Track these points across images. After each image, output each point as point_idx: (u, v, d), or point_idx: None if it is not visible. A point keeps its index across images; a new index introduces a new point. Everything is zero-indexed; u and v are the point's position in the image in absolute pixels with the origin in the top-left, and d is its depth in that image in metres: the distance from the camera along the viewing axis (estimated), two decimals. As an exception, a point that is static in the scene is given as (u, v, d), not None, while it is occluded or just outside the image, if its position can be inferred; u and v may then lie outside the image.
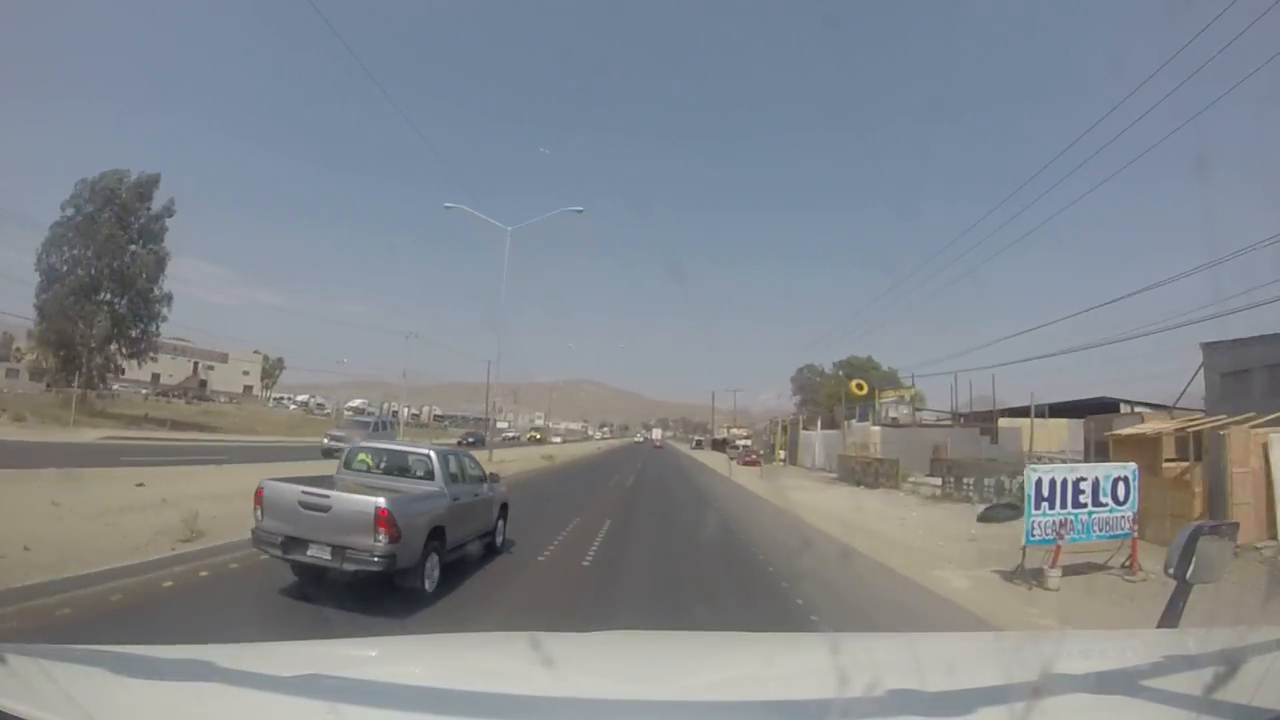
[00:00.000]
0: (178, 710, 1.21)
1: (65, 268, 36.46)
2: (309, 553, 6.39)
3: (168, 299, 40.03)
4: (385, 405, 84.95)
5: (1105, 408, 27.34)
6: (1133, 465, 9.99)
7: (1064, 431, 27.97)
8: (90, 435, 26.31)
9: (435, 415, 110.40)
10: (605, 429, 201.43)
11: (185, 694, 1.23)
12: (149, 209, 38.54)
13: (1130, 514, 9.57)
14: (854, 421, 43.27)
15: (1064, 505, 9.27)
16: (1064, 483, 9.42)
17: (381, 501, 6.35)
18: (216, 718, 1.20)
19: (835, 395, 61.52)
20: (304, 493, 6.55)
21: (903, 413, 44.19)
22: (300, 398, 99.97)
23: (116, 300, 37.76)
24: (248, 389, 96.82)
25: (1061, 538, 9.09)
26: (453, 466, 8.42)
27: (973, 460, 24.67)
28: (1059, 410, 29.18)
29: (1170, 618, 1.66)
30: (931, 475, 25.89)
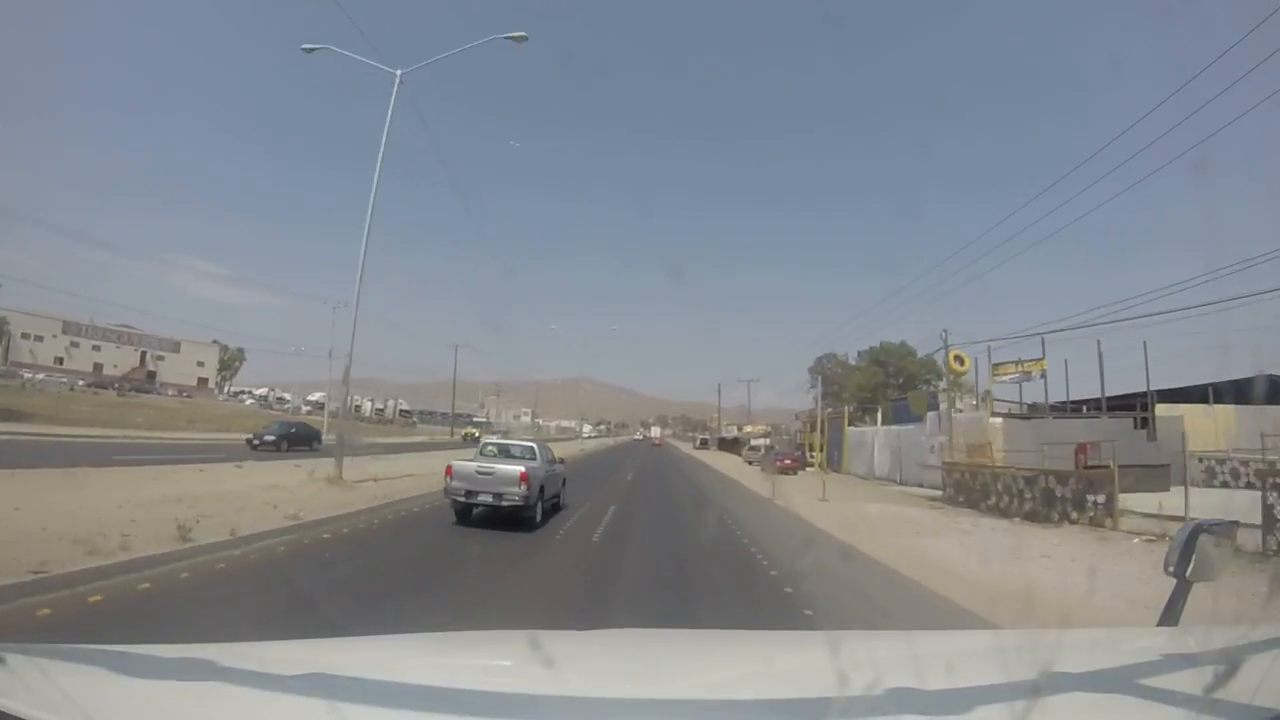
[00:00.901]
0: (178, 710, 1.21)
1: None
2: (479, 498, 11.72)
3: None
4: (349, 399, 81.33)
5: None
6: None
7: (1230, 420, 21.99)
8: None
9: (402, 410, 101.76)
10: (601, 426, 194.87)
11: (185, 693, 1.23)
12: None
13: None
14: (957, 411, 29.41)
15: None
16: None
17: (522, 468, 11.90)
18: (216, 717, 1.20)
19: (867, 385, 54.99)
20: (478, 469, 11.99)
21: (968, 407, 32.09)
22: (259, 391, 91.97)
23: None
24: (202, 381, 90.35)
25: None
26: (544, 453, 14.09)
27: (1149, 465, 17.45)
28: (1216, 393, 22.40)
29: (1170, 616, 1.67)
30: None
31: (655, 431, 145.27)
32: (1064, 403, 30.70)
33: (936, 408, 31.47)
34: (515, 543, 10.67)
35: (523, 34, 18.62)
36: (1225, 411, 23.00)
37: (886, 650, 1.85)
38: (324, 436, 32.71)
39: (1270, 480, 11.34)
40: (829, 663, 1.35)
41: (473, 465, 12.05)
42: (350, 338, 19.19)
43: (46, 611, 5.52)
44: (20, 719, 1.00)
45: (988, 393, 31.69)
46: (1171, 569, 1.68)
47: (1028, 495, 16.79)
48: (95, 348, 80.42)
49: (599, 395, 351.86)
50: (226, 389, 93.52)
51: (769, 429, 77.63)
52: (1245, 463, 18.21)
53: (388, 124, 18.06)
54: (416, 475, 18.82)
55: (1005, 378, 30.93)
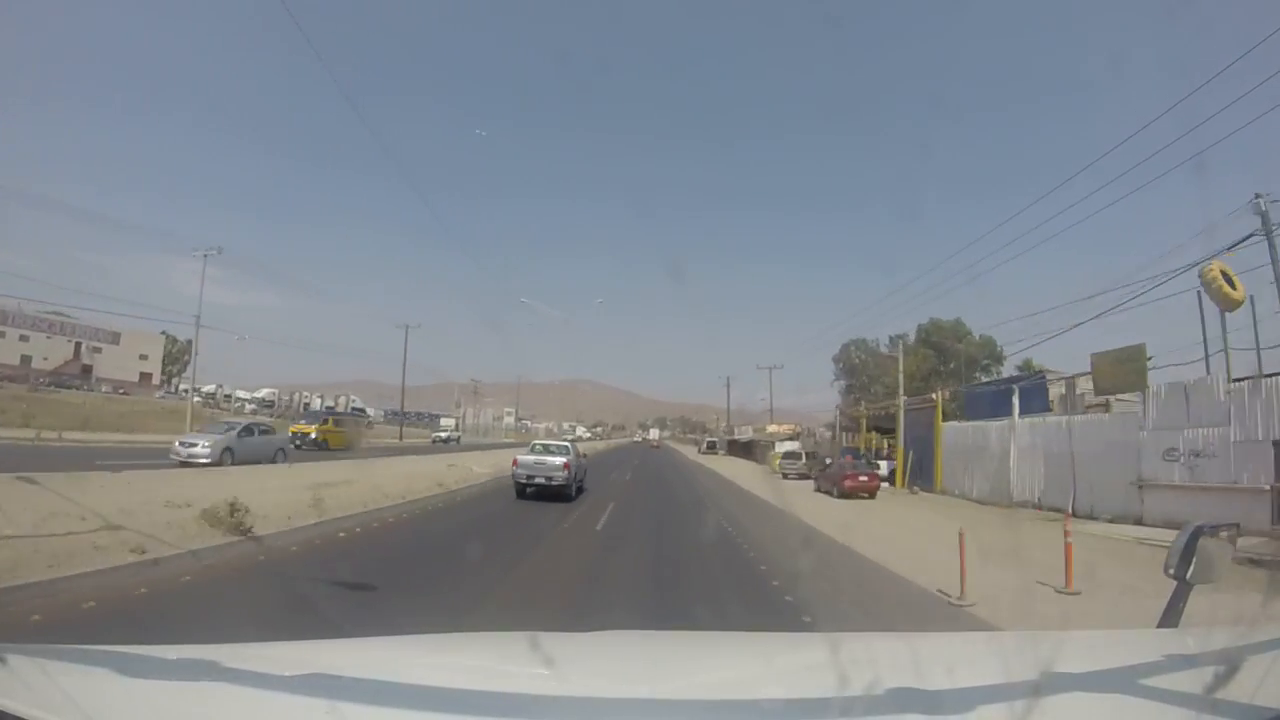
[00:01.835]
0: (178, 710, 1.21)
1: None
2: (536, 480, 17.01)
3: None
4: (295, 395, 72.83)
5: None
6: None
7: None
8: None
9: (355, 408, 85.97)
10: (598, 428, 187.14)
11: (185, 693, 1.24)
12: None
13: None
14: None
15: None
16: None
17: (565, 459, 17.41)
18: (217, 717, 1.20)
19: (916, 372, 44.14)
20: (535, 460, 17.39)
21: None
22: (207, 388, 78.90)
23: None
24: (145, 377, 79.73)
25: None
26: (575, 450, 19.32)
27: None
28: None
29: (1170, 618, 1.67)
30: None
31: (654, 434, 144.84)
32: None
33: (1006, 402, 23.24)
34: (560, 506, 16.19)
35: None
36: None
37: (886, 651, 1.85)
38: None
39: None
40: (829, 663, 1.35)
41: (531, 458, 17.76)
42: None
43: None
44: (20, 719, 1.00)
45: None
46: (1171, 571, 1.68)
47: None
48: (23, 338, 66.87)
49: (598, 397, 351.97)
50: (176, 385, 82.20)
51: (798, 429, 58.60)
52: None
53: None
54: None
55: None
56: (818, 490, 25.02)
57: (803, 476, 32.60)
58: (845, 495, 22.47)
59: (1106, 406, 20.52)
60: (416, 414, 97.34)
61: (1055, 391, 23.63)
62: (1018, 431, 22.82)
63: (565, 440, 23.43)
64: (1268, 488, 13.27)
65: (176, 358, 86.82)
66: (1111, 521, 17.34)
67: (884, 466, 30.37)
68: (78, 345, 75.00)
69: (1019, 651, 1.57)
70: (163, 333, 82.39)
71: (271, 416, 59.22)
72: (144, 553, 7.09)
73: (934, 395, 30.48)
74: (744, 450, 62.93)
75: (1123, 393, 19.59)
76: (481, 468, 23.94)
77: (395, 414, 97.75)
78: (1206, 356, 17.96)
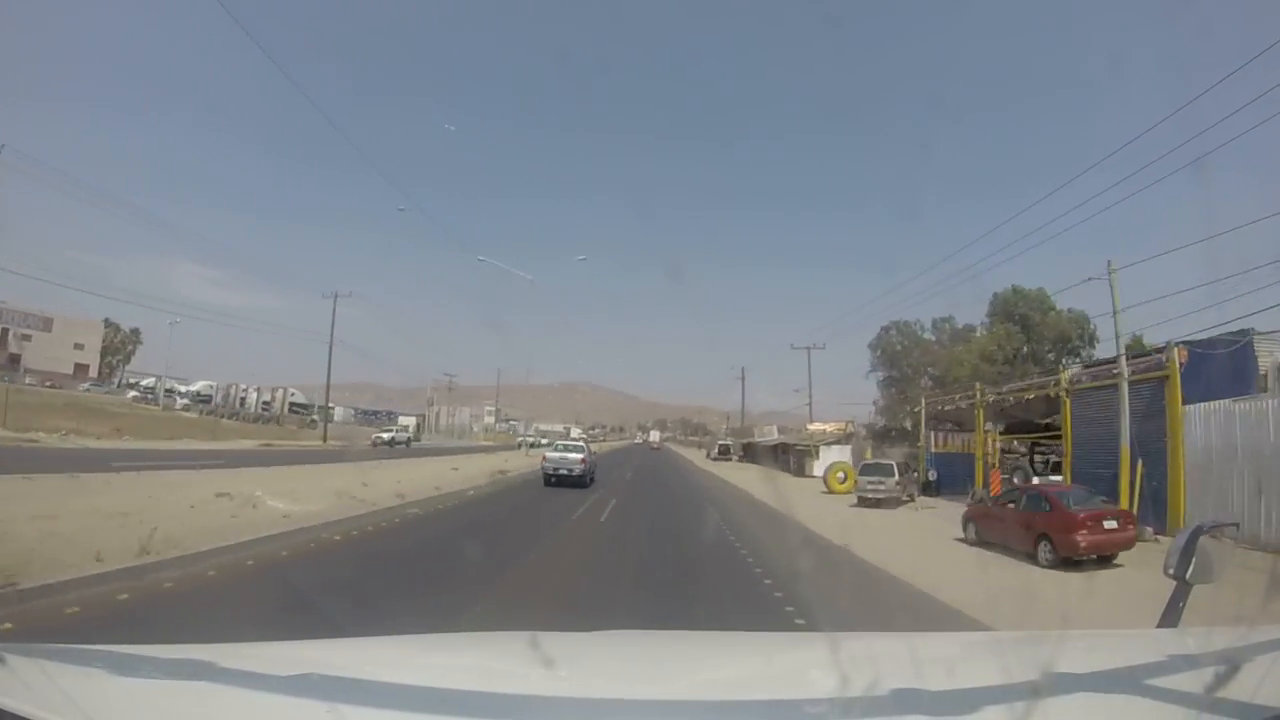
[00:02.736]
0: (177, 710, 1.21)
1: None
2: (559, 471, 23.63)
3: None
4: (232, 387, 64.75)
5: None
6: None
7: None
8: None
9: (295, 404, 74.40)
10: (596, 429, 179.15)
11: (185, 694, 1.24)
12: None
13: None
14: None
15: None
16: None
17: (582, 455, 24.64)
18: (216, 717, 1.20)
19: (993, 354, 35.88)
20: (560, 457, 24.45)
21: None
22: (146, 381, 70.56)
23: None
24: (82, 368, 71.91)
25: None
26: (589, 449, 27.30)
27: None
28: None
29: (1170, 617, 1.67)
30: None
31: (654, 436, 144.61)
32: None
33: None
34: (578, 490, 21.97)
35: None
36: None
37: (886, 651, 1.85)
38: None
39: None
40: (829, 663, 1.35)
41: (556, 455, 24.62)
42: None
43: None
44: (20, 718, 1.00)
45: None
46: (1171, 570, 1.69)
47: None
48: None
49: (597, 399, 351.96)
50: (118, 377, 74.26)
51: (850, 426, 42.23)
52: None
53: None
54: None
55: None
56: (972, 541, 14.60)
57: (893, 501, 22.10)
58: (1066, 560, 11.73)
59: None
60: (387, 413, 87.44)
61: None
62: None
63: (579, 442, 31.31)
64: None
65: (118, 348, 77.39)
66: None
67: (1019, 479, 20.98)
68: (4, 331, 66.90)
69: (1019, 651, 1.57)
70: (108, 321, 74.70)
71: (203, 413, 53.85)
72: None
73: (1171, 356, 16.27)
74: (769, 456, 47.52)
75: None
76: (319, 503, 13.02)
77: (368, 414, 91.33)
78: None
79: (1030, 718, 1.07)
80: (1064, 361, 31.08)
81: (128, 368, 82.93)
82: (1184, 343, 16.65)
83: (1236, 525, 1.88)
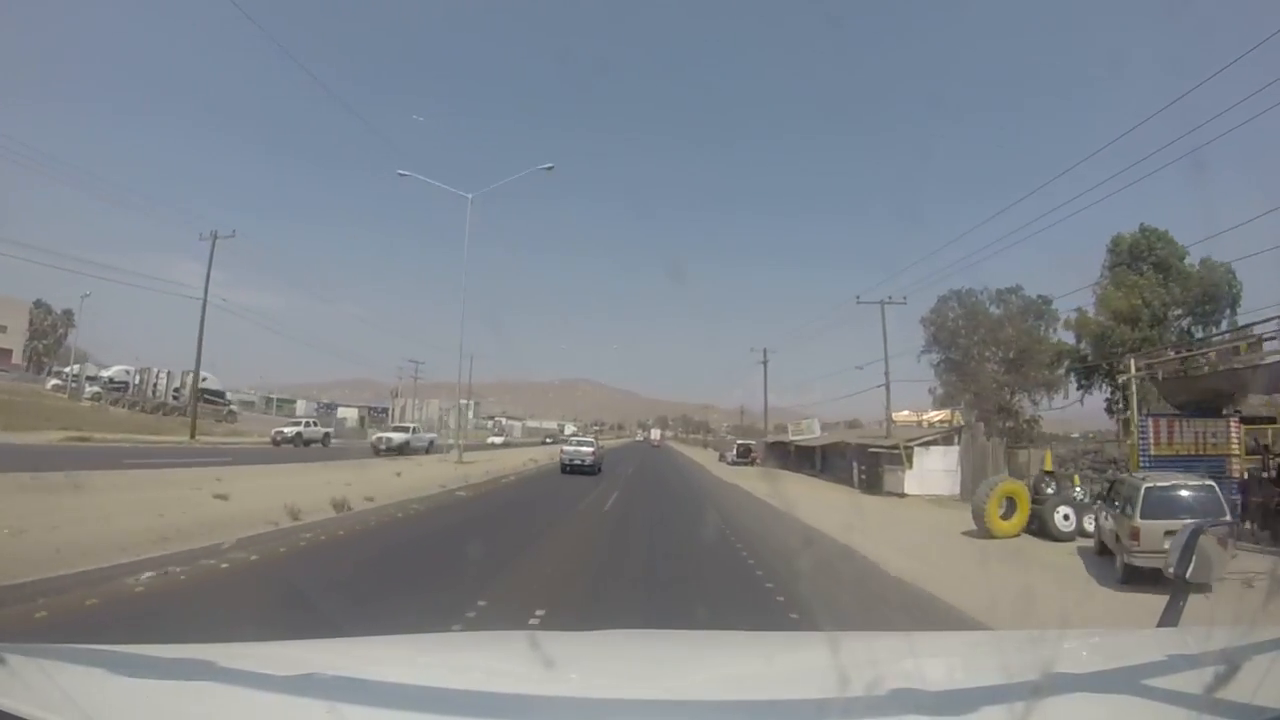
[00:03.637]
0: (177, 710, 1.21)
1: None
2: (574, 462, 28.91)
3: None
4: (144, 373, 56.67)
5: None
6: None
7: None
8: None
9: (207, 391, 57.06)
10: (595, 427, 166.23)
11: (185, 694, 1.23)
12: None
13: None
14: None
15: None
16: None
17: (592, 449, 30.36)
18: (216, 717, 1.20)
19: (1133, 313, 27.11)
20: (574, 450, 30.26)
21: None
22: (70, 369, 61.10)
23: None
24: (4, 353, 64.28)
25: None
26: (597, 443, 34.22)
27: None
28: None
29: (1170, 617, 1.67)
30: None
31: (655, 434, 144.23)
32: None
33: None
34: (589, 477, 26.49)
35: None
36: None
37: (887, 651, 1.85)
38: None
39: None
40: (829, 663, 1.35)
41: (571, 448, 30.00)
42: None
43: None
44: (20, 719, 1.00)
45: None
46: (1171, 570, 1.68)
47: None
48: None
49: (598, 396, 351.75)
50: (50, 365, 66.03)
51: (954, 417, 32.38)
52: None
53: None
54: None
55: None
56: None
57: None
58: None
59: None
60: (382, 409, 75.76)
61: None
62: None
63: (589, 438, 37.15)
64: None
65: (46, 332, 68.60)
66: None
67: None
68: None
69: (1019, 651, 1.57)
70: (39, 303, 67.44)
71: (115, 401, 49.19)
72: None
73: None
74: (808, 461, 38.48)
75: None
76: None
77: (376, 411, 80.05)
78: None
79: (1030, 717, 1.06)
80: (1212, 329, 22.80)
81: (103, 357, 69.97)
82: None
83: (1235, 524, 1.87)
